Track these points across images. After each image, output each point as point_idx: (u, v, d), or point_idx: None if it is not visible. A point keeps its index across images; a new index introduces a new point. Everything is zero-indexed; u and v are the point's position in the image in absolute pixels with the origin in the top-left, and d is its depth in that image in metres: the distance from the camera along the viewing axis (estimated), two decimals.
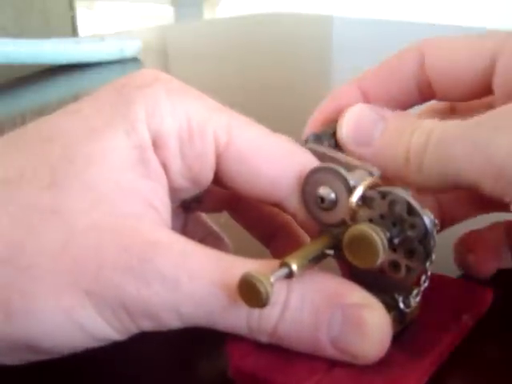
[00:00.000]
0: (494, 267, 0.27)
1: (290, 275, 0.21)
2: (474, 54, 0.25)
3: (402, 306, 0.22)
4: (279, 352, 0.21)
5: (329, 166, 0.23)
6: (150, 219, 0.21)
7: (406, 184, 0.23)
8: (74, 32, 1.05)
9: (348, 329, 0.21)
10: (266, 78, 0.70)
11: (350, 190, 0.22)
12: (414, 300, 0.22)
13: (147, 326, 0.20)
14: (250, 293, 0.20)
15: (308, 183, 0.23)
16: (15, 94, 0.65)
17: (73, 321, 0.20)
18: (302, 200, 0.24)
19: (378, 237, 0.21)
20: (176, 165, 0.23)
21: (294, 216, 0.25)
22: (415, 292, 0.22)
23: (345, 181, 0.22)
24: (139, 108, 0.22)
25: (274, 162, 0.24)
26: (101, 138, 0.21)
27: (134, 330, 0.21)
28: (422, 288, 0.23)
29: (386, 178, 0.23)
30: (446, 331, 0.23)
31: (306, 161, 0.24)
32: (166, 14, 2.68)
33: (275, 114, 0.55)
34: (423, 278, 0.22)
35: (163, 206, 0.22)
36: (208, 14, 2.65)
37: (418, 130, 0.23)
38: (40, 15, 0.96)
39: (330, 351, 0.21)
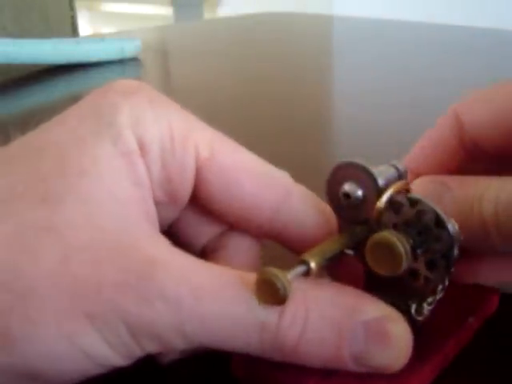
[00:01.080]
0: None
1: (307, 273, 0.20)
2: (508, 99, 0.24)
3: (413, 313, 0.22)
4: None
5: (357, 163, 0.22)
6: (146, 231, 0.21)
7: (486, 248, 0.23)
8: (74, 32, 1.05)
9: (372, 343, 0.20)
10: (267, 78, 0.70)
11: (378, 190, 0.22)
12: (427, 308, 0.22)
13: (152, 348, 0.20)
14: (267, 290, 0.19)
15: (334, 177, 0.22)
16: (15, 94, 0.64)
17: (75, 346, 0.19)
18: (326, 192, 0.23)
19: (403, 246, 0.20)
20: (156, 173, 0.22)
21: (279, 235, 0.24)
22: (430, 300, 0.22)
23: (374, 180, 0.22)
24: (124, 114, 0.22)
25: (256, 178, 0.23)
26: (89, 148, 0.21)
27: (138, 353, 0.20)
28: (438, 297, 0.22)
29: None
30: (451, 334, 0.23)
31: (288, 179, 0.24)
32: (166, 14, 2.68)
33: (275, 115, 0.55)
34: (440, 287, 0.22)
35: (154, 214, 0.22)
36: (208, 14, 2.65)
37: (485, 198, 0.22)
38: (40, 15, 0.96)
39: (352, 366, 0.21)
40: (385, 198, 0.21)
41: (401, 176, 0.22)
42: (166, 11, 2.70)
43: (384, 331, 0.20)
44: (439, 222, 0.21)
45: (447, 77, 0.66)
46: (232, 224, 0.25)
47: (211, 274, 0.20)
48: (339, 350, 0.20)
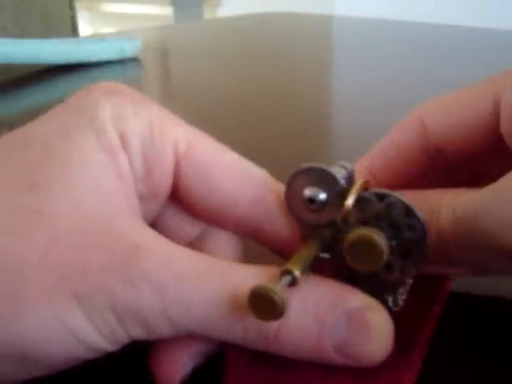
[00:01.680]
0: None
1: (293, 283, 0.20)
2: (473, 103, 0.24)
3: (391, 305, 0.22)
4: (275, 362, 0.21)
5: (316, 166, 0.22)
6: (131, 219, 0.21)
7: (444, 261, 0.23)
8: (74, 32, 1.05)
9: (354, 333, 0.20)
10: (266, 78, 0.70)
11: (341, 191, 0.22)
12: (401, 298, 0.22)
13: (137, 333, 0.20)
14: (264, 306, 0.19)
15: (293, 185, 0.22)
16: (15, 94, 0.65)
17: (62, 325, 0.19)
18: (285, 201, 0.23)
19: (382, 241, 0.20)
20: (138, 167, 0.23)
21: (255, 231, 0.24)
22: (401, 290, 0.22)
23: (336, 181, 0.22)
24: (106, 110, 0.22)
25: (234, 174, 0.24)
26: (74, 141, 0.22)
27: (124, 337, 0.20)
28: (408, 287, 0.22)
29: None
30: (423, 324, 0.23)
31: (266, 176, 0.24)
32: (166, 14, 2.69)
33: (275, 114, 0.55)
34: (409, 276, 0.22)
35: (138, 208, 0.22)
36: (208, 14, 2.65)
37: (442, 209, 0.22)
38: (40, 15, 0.96)
39: (334, 357, 0.21)
40: (353, 196, 0.21)
41: (350, 175, 0.23)
42: (166, 11, 2.71)
43: (365, 320, 0.20)
44: (409, 212, 0.21)
45: (447, 77, 0.66)
46: (210, 220, 0.25)
47: (196, 260, 0.21)
48: (321, 339, 0.20)
